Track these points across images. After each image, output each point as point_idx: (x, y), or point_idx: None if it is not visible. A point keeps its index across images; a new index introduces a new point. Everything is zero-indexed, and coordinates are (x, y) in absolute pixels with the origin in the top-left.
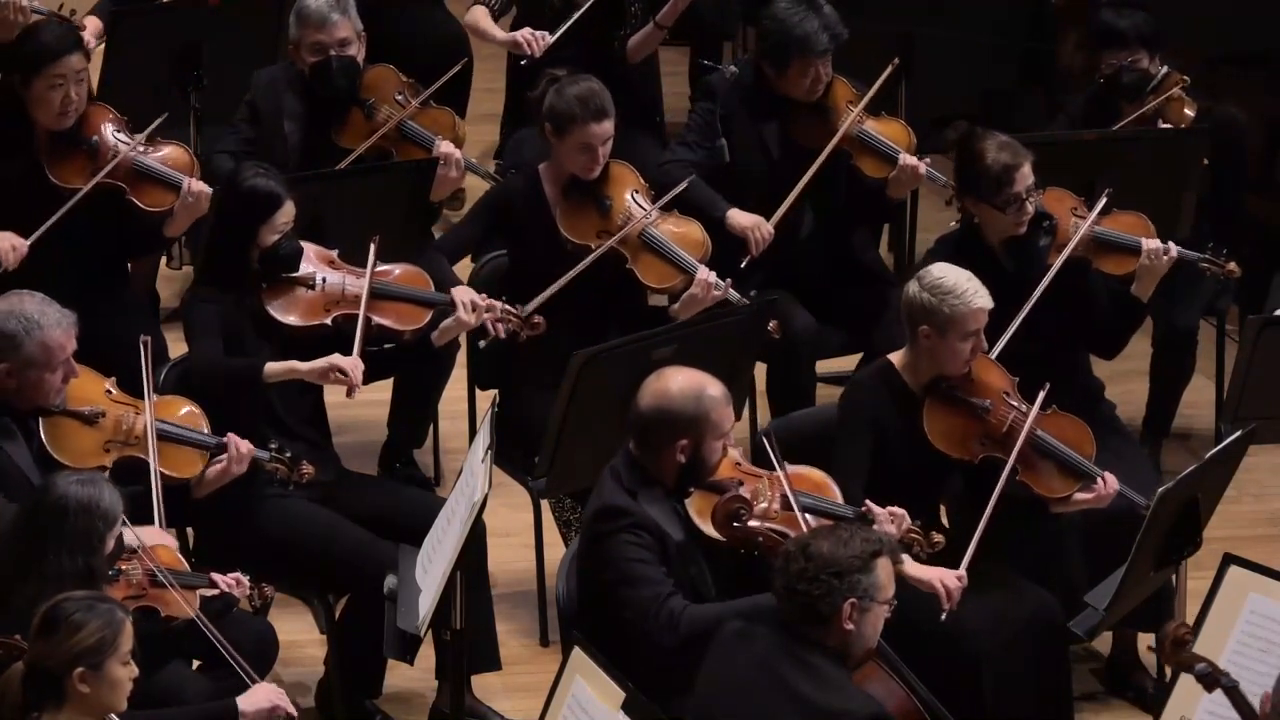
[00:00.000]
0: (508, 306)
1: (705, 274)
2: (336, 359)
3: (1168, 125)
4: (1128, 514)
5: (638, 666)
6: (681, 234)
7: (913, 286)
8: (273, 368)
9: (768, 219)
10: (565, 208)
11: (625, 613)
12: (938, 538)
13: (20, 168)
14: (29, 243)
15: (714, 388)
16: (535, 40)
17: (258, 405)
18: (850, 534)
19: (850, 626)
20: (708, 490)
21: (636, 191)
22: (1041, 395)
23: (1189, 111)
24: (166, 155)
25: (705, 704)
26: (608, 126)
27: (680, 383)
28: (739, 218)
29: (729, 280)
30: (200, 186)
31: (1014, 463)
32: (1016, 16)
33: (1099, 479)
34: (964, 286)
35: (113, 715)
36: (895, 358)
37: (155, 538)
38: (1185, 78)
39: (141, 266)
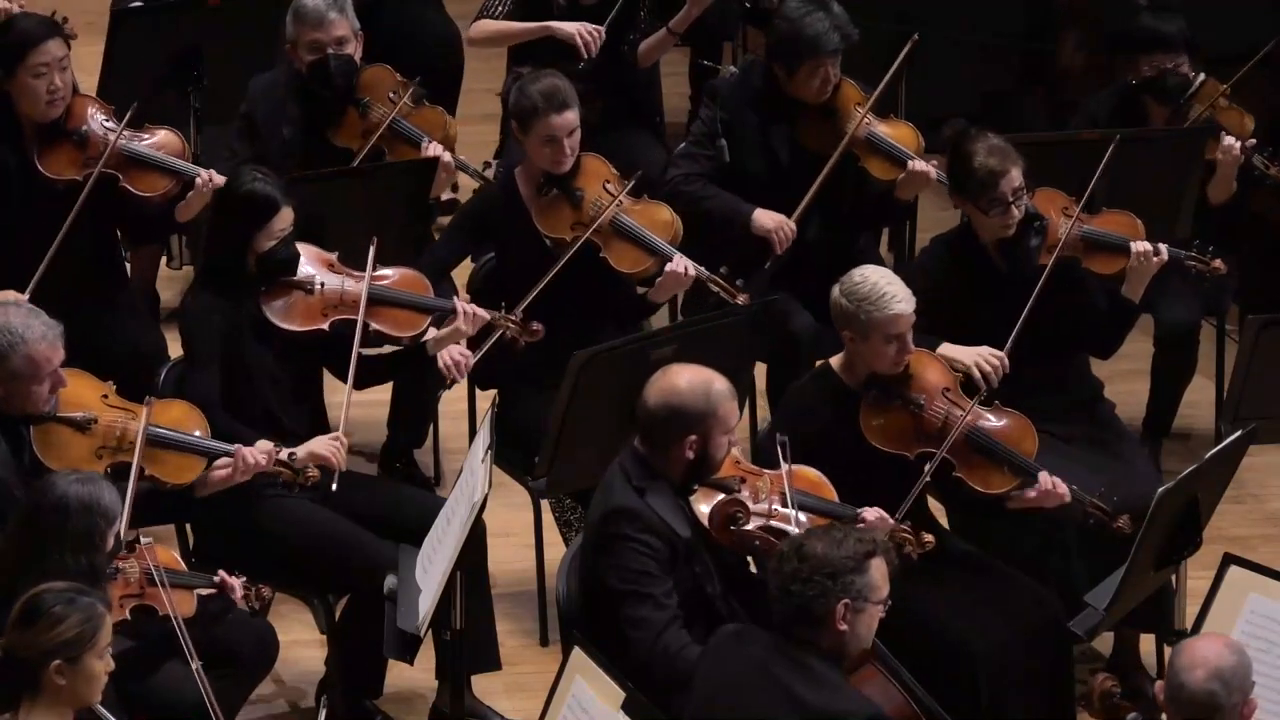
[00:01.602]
0: (508, 315)
1: (676, 264)
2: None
3: (1230, 135)
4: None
5: (637, 666)
6: (649, 217)
7: (835, 291)
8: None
9: None
10: (539, 205)
11: (631, 630)
12: (928, 537)
13: (10, 163)
14: (31, 287)
15: (720, 383)
16: (593, 39)
17: (257, 411)
18: (844, 535)
19: (844, 627)
20: (711, 488)
21: (608, 182)
22: (982, 392)
23: (1249, 123)
24: (158, 140)
25: (703, 705)
26: (570, 118)
27: (688, 379)
28: (763, 219)
29: (701, 268)
30: (218, 179)
31: (946, 455)
32: (1016, 16)
33: (1038, 476)
34: (881, 291)
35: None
36: (834, 360)
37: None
38: (1225, 86)
39: (142, 266)
